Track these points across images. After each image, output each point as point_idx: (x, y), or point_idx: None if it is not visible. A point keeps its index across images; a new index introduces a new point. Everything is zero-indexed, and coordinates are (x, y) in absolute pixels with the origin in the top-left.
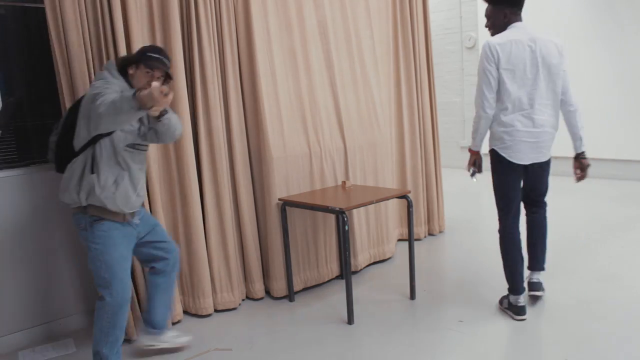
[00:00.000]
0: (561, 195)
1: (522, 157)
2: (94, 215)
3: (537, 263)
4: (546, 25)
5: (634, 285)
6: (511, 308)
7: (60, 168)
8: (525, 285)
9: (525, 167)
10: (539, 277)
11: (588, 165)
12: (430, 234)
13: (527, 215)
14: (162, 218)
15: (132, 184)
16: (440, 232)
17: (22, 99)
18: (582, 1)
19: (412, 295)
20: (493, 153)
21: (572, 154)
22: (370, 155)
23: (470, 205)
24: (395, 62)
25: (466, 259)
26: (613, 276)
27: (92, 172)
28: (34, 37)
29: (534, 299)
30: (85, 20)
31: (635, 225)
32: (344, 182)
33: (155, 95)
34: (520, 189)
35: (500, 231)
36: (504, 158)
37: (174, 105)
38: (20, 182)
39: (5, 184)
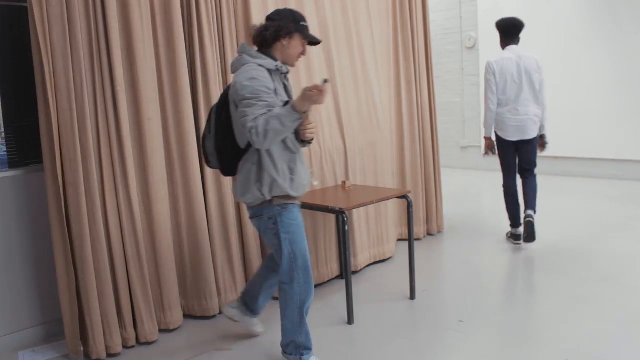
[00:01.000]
0: (561, 195)
1: (511, 136)
2: (280, 204)
3: (529, 203)
4: (546, 25)
5: (634, 285)
6: (512, 236)
7: (230, 171)
8: (522, 222)
9: (515, 143)
10: (532, 213)
11: (547, 143)
12: (429, 234)
13: (522, 180)
14: (167, 219)
15: (303, 166)
16: (439, 232)
17: None
18: (582, 1)
19: (412, 295)
20: (495, 135)
21: (570, 154)
22: (370, 156)
23: (469, 205)
24: (395, 62)
25: (466, 258)
26: (613, 276)
27: (268, 164)
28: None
29: (528, 239)
30: (75, 17)
31: (635, 225)
32: (344, 182)
33: (314, 97)
34: (514, 157)
35: (503, 186)
36: (500, 137)
37: (177, 106)
38: (18, 182)
39: (5, 184)
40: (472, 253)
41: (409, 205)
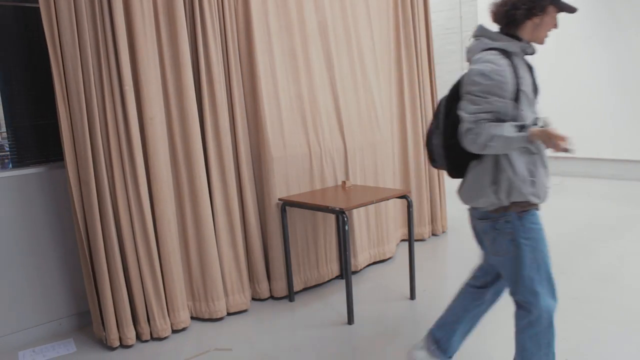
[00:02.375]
0: (561, 195)
1: None
2: (518, 211)
3: None
4: None
5: (634, 285)
6: None
7: (459, 172)
8: None
9: None
10: None
11: None
12: (433, 234)
13: None
14: (172, 219)
15: (545, 169)
16: (443, 232)
17: None
18: (582, 1)
19: (412, 295)
20: None
21: (570, 154)
22: (370, 156)
23: None
24: (397, 62)
25: (468, 259)
26: (613, 276)
27: (505, 165)
28: (34, 36)
29: None
30: (83, 19)
31: (635, 225)
32: (344, 182)
33: (554, 140)
34: None
35: None
36: None
37: (181, 105)
38: (18, 183)
39: (5, 184)
40: (474, 253)
41: (409, 205)
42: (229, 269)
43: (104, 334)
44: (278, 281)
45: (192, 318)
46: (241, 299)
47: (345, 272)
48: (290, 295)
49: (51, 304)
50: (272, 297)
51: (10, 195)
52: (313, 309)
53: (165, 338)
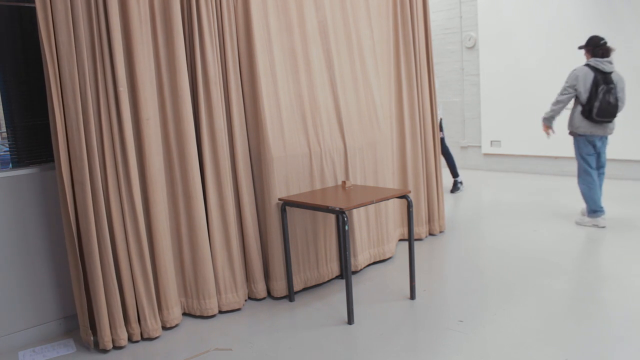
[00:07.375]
0: (561, 195)
1: None
2: None
3: None
4: (546, 24)
5: (634, 285)
6: None
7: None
8: None
9: None
10: None
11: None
12: (430, 234)
13: None
14: (165, 219)
15: None
16: (441, 232)
17: None
18: (582, 1)
19: (412, 295)
20: None
21: (570, 154)
22: (370, 155)
23: (470, 205)
24: (395, 61)
25: (466, 259)
26: (613, 276)
27: None
28: (34, 36)
29: None
30: (79, 19)
31: (635, 225)
32: (344, 182)
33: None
34: None
35: None
36: None
37: (176, 106)
38: (19, 183)
39: (4, 184)
40: (473, 253)
41: (409, 205)
42: (222, 268)
43: (92, 338)
44: (278, 281)
45: (184, 314)
46: (234, 297)
47: (345, 272)
48: (291, 295)
49: (51, 304)
50: (271, 297)
51: (10, 195)
52: (313, 309)
53: (156, 338)
